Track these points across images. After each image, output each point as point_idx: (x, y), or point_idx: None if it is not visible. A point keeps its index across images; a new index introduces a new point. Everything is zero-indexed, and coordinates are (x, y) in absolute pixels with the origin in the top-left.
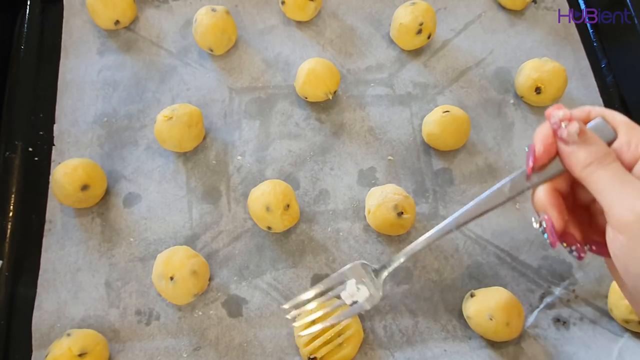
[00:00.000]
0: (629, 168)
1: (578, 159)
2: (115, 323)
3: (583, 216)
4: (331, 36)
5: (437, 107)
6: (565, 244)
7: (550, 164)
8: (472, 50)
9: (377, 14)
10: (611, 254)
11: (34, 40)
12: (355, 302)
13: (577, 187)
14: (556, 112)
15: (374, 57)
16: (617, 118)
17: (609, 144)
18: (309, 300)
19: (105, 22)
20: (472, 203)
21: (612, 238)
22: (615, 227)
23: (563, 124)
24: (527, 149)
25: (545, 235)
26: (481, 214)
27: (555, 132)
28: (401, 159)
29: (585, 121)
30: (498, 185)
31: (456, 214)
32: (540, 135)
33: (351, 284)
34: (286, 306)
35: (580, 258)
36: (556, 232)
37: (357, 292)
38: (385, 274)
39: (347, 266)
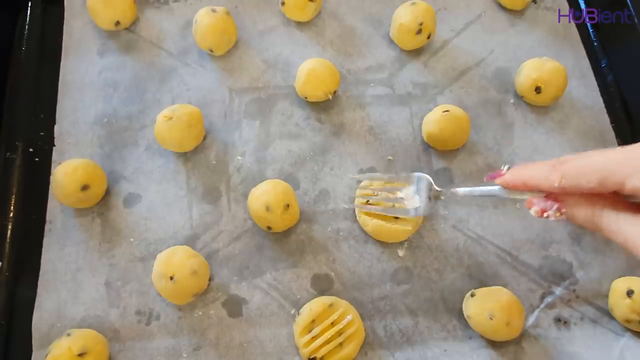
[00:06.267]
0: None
1: (579, 218)
2: (115, 323)
3: None
4: (331, 36)
5: (437, 107)
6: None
7: None
8: (472, 50)
9: (377, 14)
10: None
11: (35, 41)
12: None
13: None
14: (534, 209)
15: (374, 57)
16: None
17: None
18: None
19: (106, 22)
20: None
21: None
22: None
23: (545, 215)
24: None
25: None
26: None
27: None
28: (401, 158)
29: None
30: None
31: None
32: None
33: (410, 189)
34: (357, 175)
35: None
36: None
37: (411, 198)
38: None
39: (416, 174)
